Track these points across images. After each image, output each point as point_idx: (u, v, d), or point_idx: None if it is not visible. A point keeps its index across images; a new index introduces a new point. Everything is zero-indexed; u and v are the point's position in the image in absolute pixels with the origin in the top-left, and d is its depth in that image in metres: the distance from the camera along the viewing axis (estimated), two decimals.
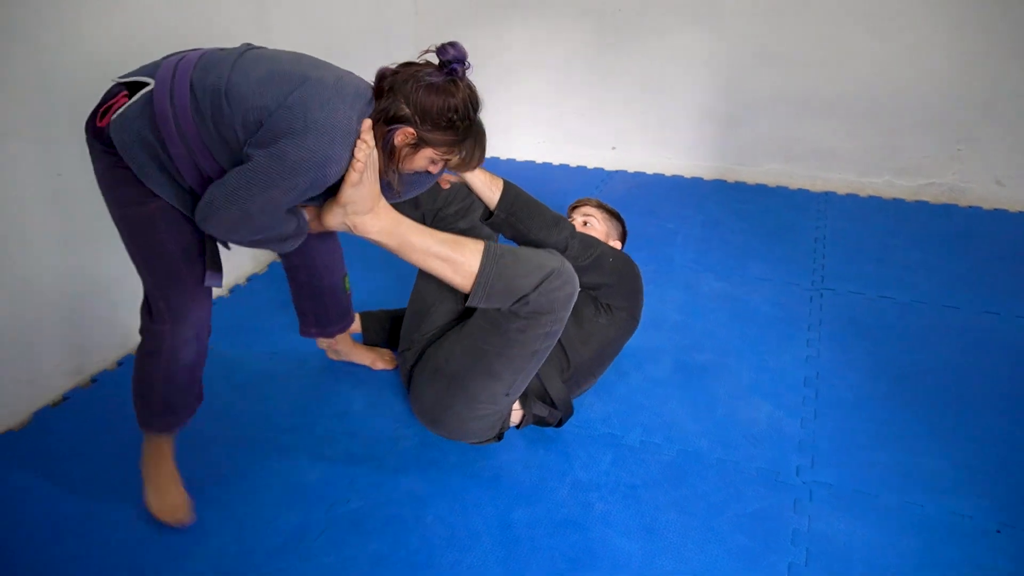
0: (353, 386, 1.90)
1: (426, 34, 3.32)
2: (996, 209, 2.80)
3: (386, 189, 1.39)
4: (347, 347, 1.94)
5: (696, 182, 3.15)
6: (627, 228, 1.98)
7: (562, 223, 1.59)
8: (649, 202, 2.93)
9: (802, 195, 2.98)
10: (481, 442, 1.63)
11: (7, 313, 1.74)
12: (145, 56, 1.41)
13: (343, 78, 1.27)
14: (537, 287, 1.38)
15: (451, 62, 1.28)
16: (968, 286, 2.26)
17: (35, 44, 1.67)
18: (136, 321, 1.44)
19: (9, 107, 1.65)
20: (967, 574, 1.33)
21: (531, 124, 3.39)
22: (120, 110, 1.25)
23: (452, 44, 1.28)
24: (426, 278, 1.64)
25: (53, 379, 1.88)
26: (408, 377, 1.69)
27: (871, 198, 2.93)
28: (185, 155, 1.27)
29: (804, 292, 2.26)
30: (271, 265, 2.51)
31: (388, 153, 1.31)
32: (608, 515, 1.48)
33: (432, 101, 1.27)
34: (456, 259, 1.40)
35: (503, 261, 1.40)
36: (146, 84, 1.26)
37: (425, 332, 1.66)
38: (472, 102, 1.32)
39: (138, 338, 1.44)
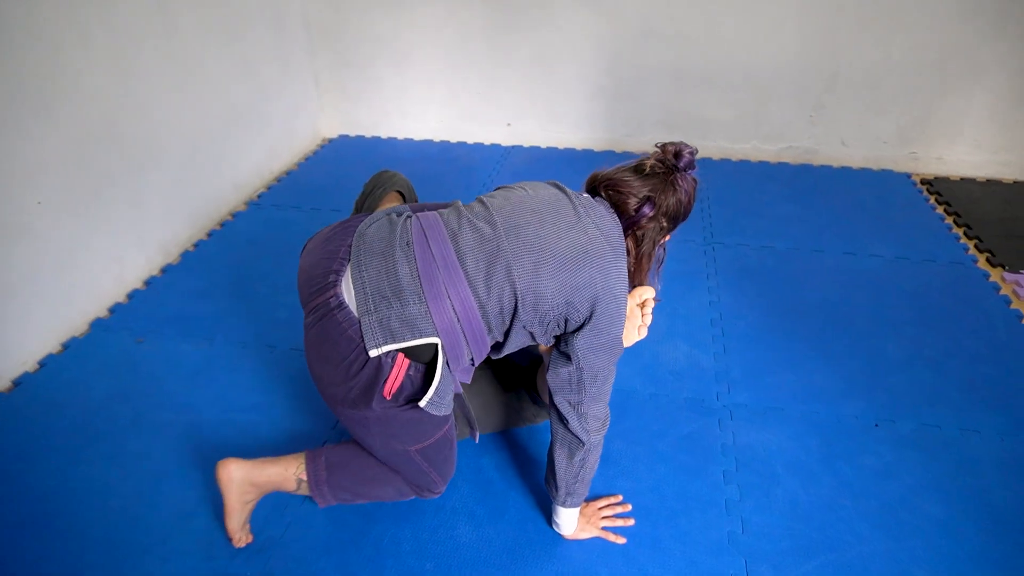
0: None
1: (317, 13, 3.31)
2: (843, 167, 3.24)
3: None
4: None
5: (588, 154, 3.38)
6: None
7: None
8: (549, 175, 3.11)
9: None
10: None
11: None
12: None
13: (608, 243, 1.26)
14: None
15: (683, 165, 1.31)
16: (830, 233, 2.64)
17: None
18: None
19: None
20: (858, 461, 1.64)
21: (428, 104, 3.48)
22: (433, 390, 1.17)
23: (682, 146, 1.31)
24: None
25: None
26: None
27: (742, 161, 3.29)
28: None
29: (699, 247, 2.55)
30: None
31: (659, 261, 1.39)
32: None
33: (683, 204, 1.32)
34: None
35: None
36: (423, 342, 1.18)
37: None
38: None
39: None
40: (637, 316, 1.41)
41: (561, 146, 3.44)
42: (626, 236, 1.31)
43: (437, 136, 3.55)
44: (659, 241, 1.34)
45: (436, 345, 1.18)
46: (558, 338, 1.32)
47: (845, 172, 3.19)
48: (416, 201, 1.70)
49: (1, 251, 1.82)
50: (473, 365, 1.30)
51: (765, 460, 1.64)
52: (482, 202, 1.30)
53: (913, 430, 1.73)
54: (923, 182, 3.09)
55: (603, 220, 1.27)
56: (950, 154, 3.15)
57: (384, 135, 3.58)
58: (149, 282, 2.33)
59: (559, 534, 1.46)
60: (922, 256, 2.49)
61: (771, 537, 1.46)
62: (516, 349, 1.33)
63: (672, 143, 1.31)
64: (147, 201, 2.33)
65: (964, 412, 1.79)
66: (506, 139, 3.51)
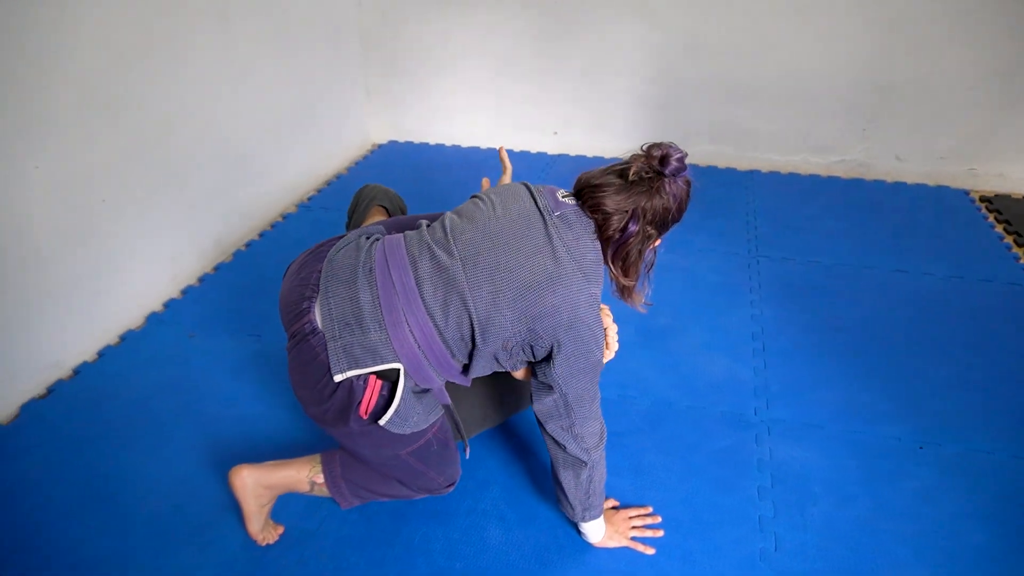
0: None
1: (370, 21, 3.39)
2: (897, 181, 3.15)
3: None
4: None
5: None
6: None
7: None
8: None
9: (731, 173, 3.25)
10: None
11: None
12: None
13: (576, 262, 1.23)
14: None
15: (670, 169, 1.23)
16: (880, 249, 2.57)
17: None
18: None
19: None
20: (899, 484, 1.60)
21: (475, 111, 3.52)
22: (393, 409, 1.21)
23: (670, 149, 1.23)
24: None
25: (36, 372, 1.89)
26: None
27: (791, 174, 3.24)
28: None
29: (743, 260, 2.52)
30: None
31: (648, 265, 1.34)
32: None
33: (671, 210, 1.27)
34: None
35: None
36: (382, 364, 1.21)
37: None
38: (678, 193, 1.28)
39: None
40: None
41: (607, 155, 3.44)
42: (616, 253, 1.27)
43: (484, 143, 3.59)
44: (647, 248, 1.30)
45: (399, 369, 1.21)
46: (533, 366, 1.31)
47: (899, 187, 3.10)
48: (403, 210, 1.73)
49: (69, 247, 1.92)
50: (465, 379, 1.32)
51: (802, 478, 1.61)
52: (443, 225, 1.28)
53: (959, 454, 1.68)
54: (982, 199, 2.99)
55: (578, 242, 1.23)
56: (1013, 171, 3.03)
57: (432, 141, 3.64)
58: (202, 279, 2.42)
59: (588, 542, 1.46)
60: (978, 276, 2.41)
61: (805, 556, 1.44)
62: (484, 373, 1.33)
63: (659, 145, 1.23)
64: (203, 201, 2.42)
65: (1015, 438, 1.72)
66: (552, 148, 3.53)
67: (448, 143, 3.62)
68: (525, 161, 3.42)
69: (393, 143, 3.65)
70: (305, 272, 1.30)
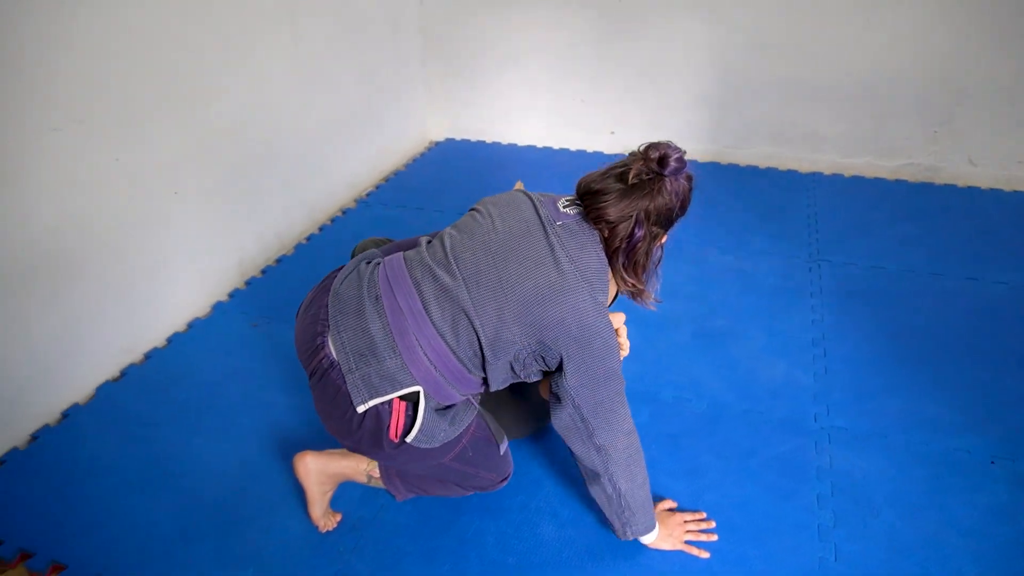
0: None
1: (431, 20, 3.43)
2: (969, 186, 3.03)
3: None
4: None
5: (691, 165, 3.30)
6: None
7: None
8: None
9: (791, 176, 3.18)
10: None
11: (69, 298, 1.84)
12: None
13: (580, 274, 1.23)
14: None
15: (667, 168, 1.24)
16: (950, 256, 2.48)
17: None
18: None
19: None
20: (969, 498, 1.54)
21: (533, 109, 3.53)
22: (416, 429, 1.22)
23: (668, 149, 1.24)
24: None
25: (110, 356, 1.98)
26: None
27: (855, 178, 3.15)
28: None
29: (803, 264, 2.46)
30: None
31: (656, 263, 1.33)
32: (654, 460, 1.65)
33: (675, 208, 1.28)
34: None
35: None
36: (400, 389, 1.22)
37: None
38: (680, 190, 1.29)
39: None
40: None
41: None
42: (626, 261, 1.26)
43: (541, 142, 3.59)
44: (654, 247, 1.29)
45: (419, 392, 1.22)
46: (549, 377, 1.30)
47: (971, 192, 2.99)
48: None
49: (143, 236, 2.00)
50: (485, 391, 1.32)
51: (864, 487, 1.57)
52: (443, 243, 1.28)
53: None
54: None
55: (581, 252, 1.23)
56: None
57: (489, 139, 3.66)
58: (265, 271, 2.49)
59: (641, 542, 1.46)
60: None
61: (866, 568, 1.40)
62: (503, 385, 1.32)
63: (656, 146, 1.23)
64: (268, 195, 2.50)
65: None
66: (609, 147, 3.51)
67: (504, 141, 3.64)
68: (582, 160, 3.42)
69: (450, 141, 3.69)
70: (314, 308, 1.32)
